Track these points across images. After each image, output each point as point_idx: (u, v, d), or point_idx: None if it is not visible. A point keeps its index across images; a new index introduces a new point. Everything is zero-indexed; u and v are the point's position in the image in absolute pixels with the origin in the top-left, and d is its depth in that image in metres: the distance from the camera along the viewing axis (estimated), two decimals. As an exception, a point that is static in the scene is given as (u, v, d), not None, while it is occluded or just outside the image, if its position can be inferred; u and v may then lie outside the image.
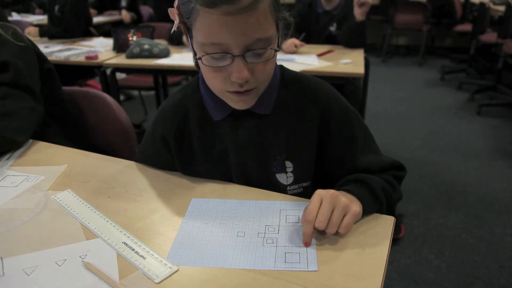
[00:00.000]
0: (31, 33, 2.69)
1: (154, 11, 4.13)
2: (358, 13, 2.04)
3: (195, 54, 0.69)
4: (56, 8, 2.82)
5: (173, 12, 0.67)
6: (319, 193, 0.66)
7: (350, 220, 0.63)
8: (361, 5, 2.01)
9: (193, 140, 0.83)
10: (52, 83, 1.23)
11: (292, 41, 2.12)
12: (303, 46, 2.21)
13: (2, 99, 1.02)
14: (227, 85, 0.68)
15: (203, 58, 0.66)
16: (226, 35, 0.62)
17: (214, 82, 0.71)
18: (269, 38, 0.65)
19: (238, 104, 0.73)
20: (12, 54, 1.08)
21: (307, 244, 0.63)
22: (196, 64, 0.78)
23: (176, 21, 0.67)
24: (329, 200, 0.64)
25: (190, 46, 0.70)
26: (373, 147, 0.84)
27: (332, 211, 0.63)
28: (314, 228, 0.63)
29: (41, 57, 1.20)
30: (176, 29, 0.69)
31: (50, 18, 2.92)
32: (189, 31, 0.68)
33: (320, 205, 0.64)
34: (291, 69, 0.84)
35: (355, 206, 0.66)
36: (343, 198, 0.65)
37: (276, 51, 0.68)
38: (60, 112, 1.25)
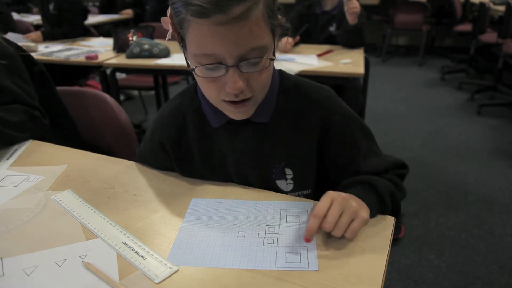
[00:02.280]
0: (34, 38, 2.68)
1: (154, 11, 4.15)
2: (350, 19, 2.08)
3: (188, 66, 0.68)
4: (51, 6, 2.80)
5: (166, 21, 0.66)
6: (331, 194, 0.65)
7: (357, 226, 0.62)
8: (351, 12, 2.05)
9: (191, 147, 0.83)
10: (44, 84, 1.22)
11: (285, 40, 2.13)
12: (296, 41, 2.23)
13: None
14: (222, 95, 0.67)
15: (196, 69, 0.65)
16: (218, 45, 0.61)
17: (209, 92, 0.69)
18: (264, 47, 0.64)
19: (236, 115, 0.72)
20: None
21: (308, 240, 0.61)
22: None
23: (170, 30, 0.66)
24: (340, 203, 0.62)
25: (185, 57, 0.69)
26: (375, 149, 0.83)
27: (341, 215, 0.62)
28: (319, 227, 0.62)
29: (30, 60, 1.18)
30: (170, 38, 0.68)
31: (45, 18, 2.89)
32: (182, 41, 0.67)
33: (330, 206, 0.63)
34: (290, 74, 0.83)
35: (364, 212, 0.64)
36: (353, 202, 0.64)
37: (271, 59, 0.66)
38: (56, 112, 1.24)
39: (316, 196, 0.84)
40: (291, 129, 0.79)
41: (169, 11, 0.65)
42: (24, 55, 1.17)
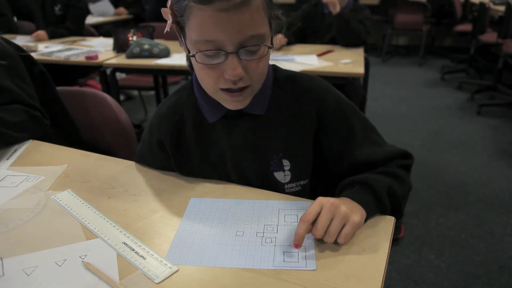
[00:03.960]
0: (42, 37, 2.69)
1: (154, 10, 4.15)
2: (332, 10, 2.14)
3: (188, 53, 0.69)
4: (57, 8, 2.83)
5: (166, 12, 0.67)
6: (320, 200, 0.65)
7: (349, 230, 0.62)
8: (326, 2, 2.14)
9: (189, 143, 0.83)
10: (45, 85, 1.21)
11: (278, 37, 2.17)
12: (285, 42, 2.25)
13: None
14: (220, 83, 0.68)
15: (196, 56, 0.66)
16: (219, 31, 0.62)
17: (207, 80, 0.70)
18: (263, 35, 0.65)
19: (232, 104, 0.73)
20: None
21: (297, 246, 0.61)
22: (190, 65, 0.78)
23: (169, 21, 0.67)
24: (329, 209, 0.62)
25: (184, 46, 0.70)
26: (374, 138, 0.82)
27: (331, 220, 0.62)
28: (309, 232, 0.63)
29: (30, 61, 1.18)
30: (169, 30, 0.69)
31: (44, 19, 2.89)
32: (182, 30, 0.68)
33: (320, 212, 0.63)
34: (283, 68, 0.84)
35: (355, 216, 0.63)
36: (343, 207, 0.63)
37: (269, 48, 0.68)
38: (57, 112, 1.23)
39: (313, 186, 0.85)
40: (287, 121, 0.80)
41: (169, 2, 0.66)
42: (24, 55, 1.17)
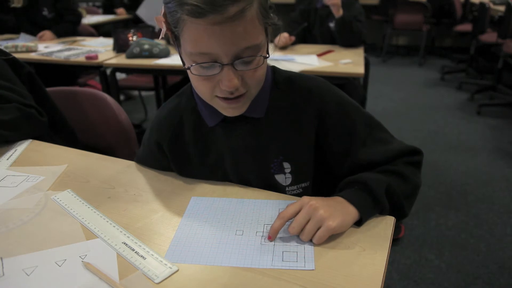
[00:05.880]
0: (48, 37, 2.69)
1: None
2: (334, 12, 2.16)
3: (183, 65, 0.68)
4: (45, 12, 2.79)
5: (159, 20, 0.67)
6: (303, 200, 0.67)
7: (322, 234, 0.63)
8: (329, 4, 2.15)
9: (189, 147, 0.83)
10: (34, 86, 1.20)
11: (283, 35, 2.19)
12: (292, 41, 2.27)
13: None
14: (216, 91, 0.68)
15: (191, 68, 0.66)
16: (214, 44, 0.61)
17: (203, 90, 0.70)
18: (258, 46, 0.65)
19: (228, 111, 0.72)
20: None
21: (270, 238, 0.65)
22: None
23: (164, 29, 0.67)
24: (307, 210, 0.65)
25: (179, 54, 0.69)
26: (379, 135, 0.80)
27: (308, 221, 0.64)
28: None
29: (16, 63, 1.17)
30: (164, 37, 0.68)
31: (33, 24, 2.82)
32: (177, 39, 0.67)
33: (300, 211, 0.66)
34: (282, 69, 0.83)
35: (332, 221, 0.64)
36: (321, 210, 0.64)
37: (265, 57, 0.67)
38: (48, 112, 1.19)
39: (315, 187, 0.84)
40: (287, 123, 0.79)
41: (162, 10, 0.66)
42: (8, 58, 1.14)
